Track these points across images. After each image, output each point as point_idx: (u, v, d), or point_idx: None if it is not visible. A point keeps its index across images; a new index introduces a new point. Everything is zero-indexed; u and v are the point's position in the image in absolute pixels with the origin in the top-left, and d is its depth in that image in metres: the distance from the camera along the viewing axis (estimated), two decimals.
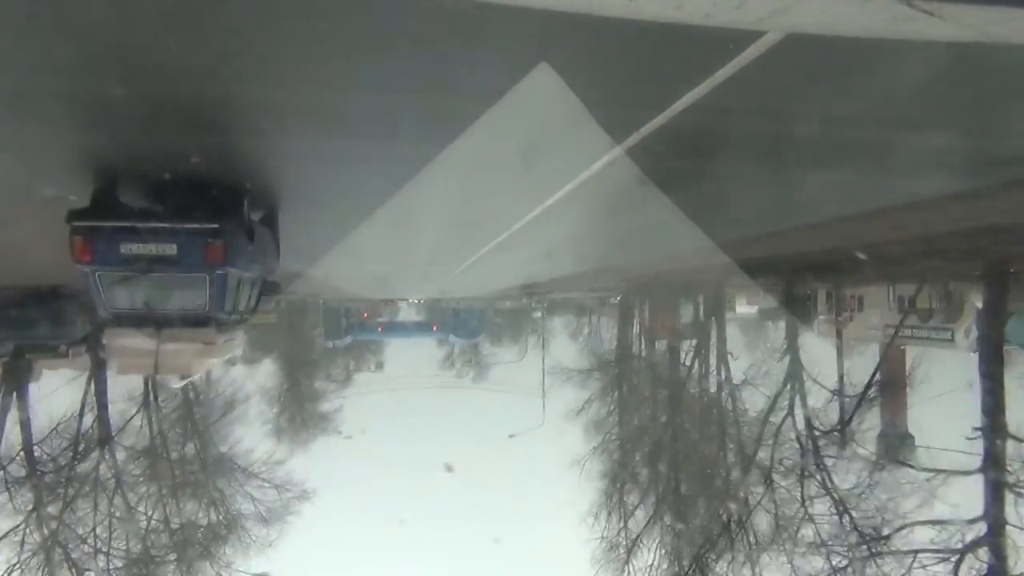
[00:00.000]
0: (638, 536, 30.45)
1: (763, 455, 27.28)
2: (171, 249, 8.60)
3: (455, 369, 49.46)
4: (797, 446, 26.49)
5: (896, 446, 23.93)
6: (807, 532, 24.71)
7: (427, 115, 6.40)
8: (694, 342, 33.78)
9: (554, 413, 38.21)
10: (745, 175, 8.96)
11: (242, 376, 36.26)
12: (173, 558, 28.44)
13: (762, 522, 26.05)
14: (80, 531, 26.82)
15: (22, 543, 25.60)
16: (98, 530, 27.05)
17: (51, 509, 26.46)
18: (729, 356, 31.42)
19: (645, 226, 12.89)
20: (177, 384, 22.74)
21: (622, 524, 31.52)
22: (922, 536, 21.84)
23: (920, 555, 21.56)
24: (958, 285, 23.14)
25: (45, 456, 26.88)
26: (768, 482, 26.41)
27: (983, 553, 20.28)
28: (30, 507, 25.99)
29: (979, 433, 19.60)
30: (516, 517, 35.42)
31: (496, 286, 35.45)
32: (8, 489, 25.79)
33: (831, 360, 27.05)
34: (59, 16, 4.81)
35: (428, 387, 44.16)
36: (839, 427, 25.44)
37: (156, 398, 30.73)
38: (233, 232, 8.96)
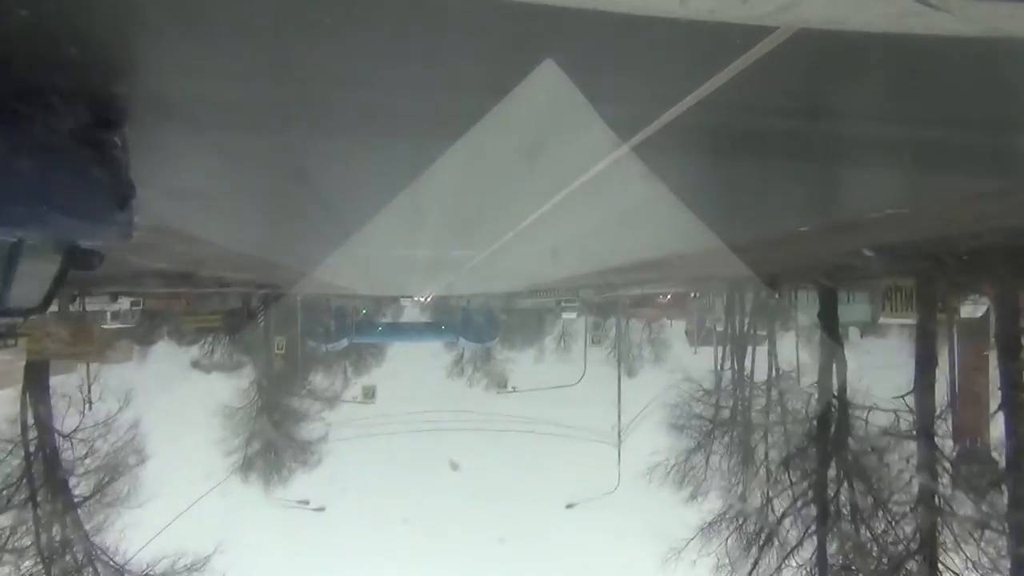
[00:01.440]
0: None
1: None
2: None
3: (465, 377, 40.55)
4: None
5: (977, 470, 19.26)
6: None
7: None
8: None
9: (632, 469, 25.34)
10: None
11: (171, 405, 24.28)
12: None
13: None
14: None
15: None
16: None
17: None
18: None
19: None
20: None
21: None
22: None
23: None
24: None
25: None
26: None
27: None
28: None
29: None
30: None
31: (514, 284, 30.01)
32: None
33: None
34: None
35: (440, 426, 29.43)
36: None
37: None
38: None
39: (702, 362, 29.80)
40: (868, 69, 5.35)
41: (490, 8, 4.11)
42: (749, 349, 27.41)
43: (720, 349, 29.85)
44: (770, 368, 26.20)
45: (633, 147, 7.27)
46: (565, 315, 40.39)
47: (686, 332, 36.63)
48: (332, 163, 8.73)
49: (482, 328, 40.29)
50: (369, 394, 34.80)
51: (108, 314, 27.62)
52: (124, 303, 27.74)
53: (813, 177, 9.15)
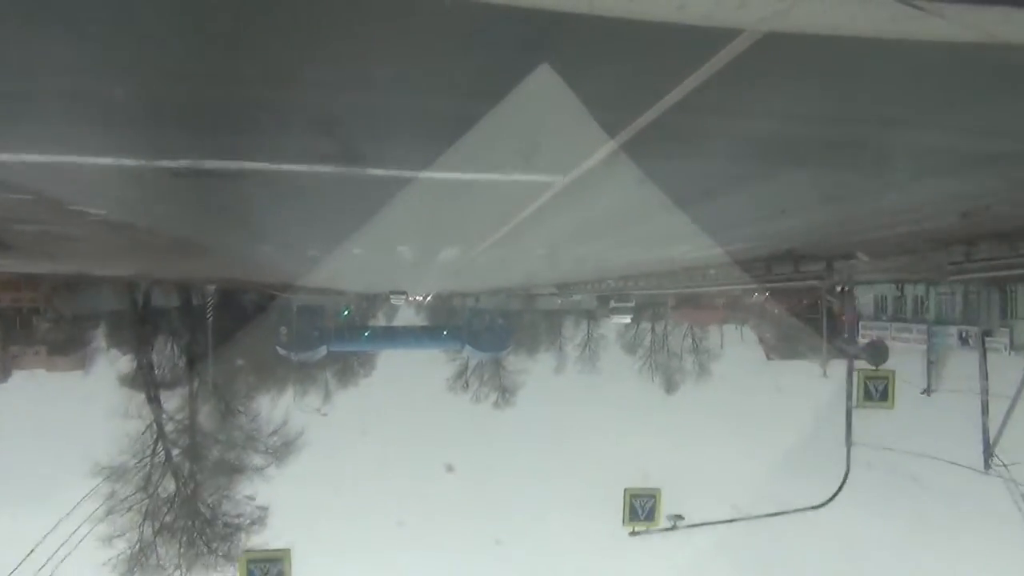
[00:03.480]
0: None
1: None
2: None
3: (470, 392, 33.10)
4: None
5: None
6: None
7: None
8: None
9: None
10: None
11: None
12: None
13: None
14: None
15: None
16: None
17: None
18: None
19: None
20: None
21: None
22: None
23: None
24: None
25: None
26: None
27: None
28: None
29: None
30: None
31: (512, 280, 25.66)
32: None
33: None
34: None
35: None
36: None
37: None
38: None
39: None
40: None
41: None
42: None
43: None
44: None
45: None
46: (616, 318, 30.50)
47: (761, 340, 27.84)
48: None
49: (492, 334, 33.11)
50: None
51: None
52: None
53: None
